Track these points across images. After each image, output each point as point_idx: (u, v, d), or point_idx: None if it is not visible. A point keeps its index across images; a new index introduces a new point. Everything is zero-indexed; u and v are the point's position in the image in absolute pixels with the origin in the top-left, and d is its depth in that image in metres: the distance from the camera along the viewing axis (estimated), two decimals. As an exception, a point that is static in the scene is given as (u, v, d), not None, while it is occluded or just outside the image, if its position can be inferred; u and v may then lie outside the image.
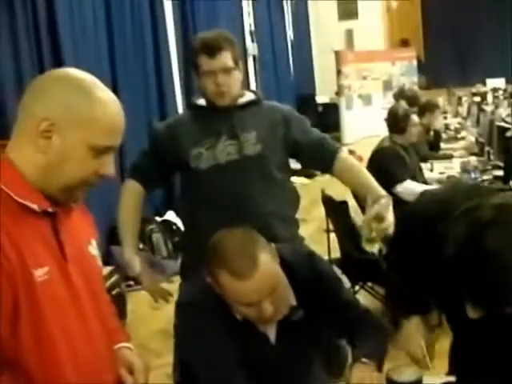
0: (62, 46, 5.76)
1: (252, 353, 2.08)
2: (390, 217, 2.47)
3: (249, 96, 2.89)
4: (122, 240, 2.89)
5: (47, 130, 1.53)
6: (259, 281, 1.92)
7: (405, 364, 2.07)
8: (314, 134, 2.97)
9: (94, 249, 1.79)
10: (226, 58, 2.73)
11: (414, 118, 5.42)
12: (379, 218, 2.45)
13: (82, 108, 1.55)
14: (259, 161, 2.77)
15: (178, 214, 6.55)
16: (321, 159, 2.91)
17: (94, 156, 1.58)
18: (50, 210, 1.59)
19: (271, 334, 2.15)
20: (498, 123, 6.50)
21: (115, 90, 6.68)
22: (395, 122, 5.37)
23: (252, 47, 11.95)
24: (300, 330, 2.15)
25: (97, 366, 1.70)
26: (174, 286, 3.07)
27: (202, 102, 2.87)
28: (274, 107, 2.98)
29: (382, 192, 2.74)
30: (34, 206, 1.56)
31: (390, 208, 2.51)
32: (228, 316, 2.07)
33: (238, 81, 2.80)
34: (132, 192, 2.91)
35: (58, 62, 5.65)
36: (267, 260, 1.97)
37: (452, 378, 2.05)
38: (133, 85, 7.17)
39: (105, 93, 1.61)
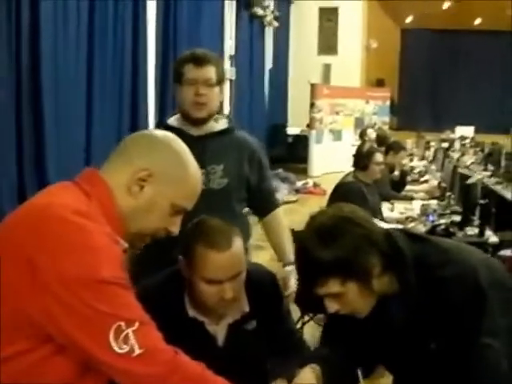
0: (41, 51, 5.77)
1: (197, 351, 2.10)
2: (292, 284, 2.90)
3: (223, 124, 2.91)
4: None
5: (143, 179, 1.67)
6: (230, 257, 2.08)
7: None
8: (266, 183, 3.06)
9: None
10: (211, 72, 2.77)
11: (378, 156, 5.51)
12: (284, 284, 2.79)
13: (178, 170, 1.71)
14: (223, 195, 2.81)
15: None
16: (259, 207, 3.04)
17: (172, 214, 1.73)
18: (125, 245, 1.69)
19: (220, 336, 2.22)
20: (460, 170, 6.62)
21: (89, 101, 6.71)
22: (359, 158, 5.47)
23: (230, 71, 12.02)
24: (250, 339, 2.22)
25: None
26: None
27: (174, 122, 2.87)
28: (245, 142, 2.99)
29: (291, 258, 2.92)
30: (124, 243, 1.67)
31: (293, 276, 2.84)
32: (180, 310, 2.16)
33: (217, 97, 2.83)
34: None
35: (36, 67, 5.64)
36: (240, 244, 2.14)
37: None
38: (108, 97, 7.20)
39: (195, 164, 1.78)
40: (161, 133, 1.82)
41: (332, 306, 1.87)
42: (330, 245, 1.81)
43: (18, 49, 5.52)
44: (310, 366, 2.03)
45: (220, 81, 2.82)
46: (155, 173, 1.68)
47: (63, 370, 1.56)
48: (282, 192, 11.28)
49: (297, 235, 2.00)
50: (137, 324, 1.52)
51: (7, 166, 5.45)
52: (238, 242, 2.13)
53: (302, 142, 15.42)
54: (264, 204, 3.01)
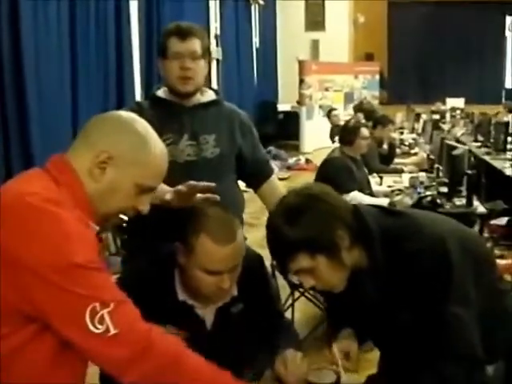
0: (22, 25, 5.63)
1: (186, 336, 2.13)
2: None
3: (210, 95, 2.89)
4: None
5: (104, 162, 1.67)
6: (233, 251, 2.09)
7: (324, 367, 2.13)
8: (260, 152, 3.05)
9: None
10: (196, 45, 2.74)
11: (364, 131, 5.52)
12: None
13: (140, 152, 1.71)
14: (216, 164, 2.79)
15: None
16: (254, 177, 3.00)
17: (138, 193, 1.74)
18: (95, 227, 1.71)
19: (208, 319, 2.24)
20: (449, 142, 6.62)
21: (74, 77, 6.64)
22: (345, 133, 5.49)
23: (216, 51, 11.96)
24: (237, 322, 2.24)
25: None
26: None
27: (162, 94, 2.85)
28: (234, 112, 2.98)
29: None
30: (95, 227, 1.69)
31: None
32: (170, 293, 2.18)
33: (203, 71, 2.80)
34: None
35: (17, 42, 5.59)
36: (241, 236, 2.16)
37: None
38: (92, 73, 7.10)
39: (160, 144, 1.80)
40: (125, 114, 1.82)
41: (307, 281, 1.91)
42: (296, 223, 1.85)
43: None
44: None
45: (205, 53, 2.80)
46: (116, 155, 1.68)
47: (43, 353, 1.59)
48: (274, 169, 11.25)
49: (268, 217, 2.02)
50: (112, 305, 1.55)
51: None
52: (240, 235, 2.15)
53: (292, 118, 15.41)
54: (259, 173, 2.99)
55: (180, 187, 2.37)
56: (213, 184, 2.43)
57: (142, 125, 1.78)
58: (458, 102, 15.97)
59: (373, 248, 1.91)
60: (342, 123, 7.10)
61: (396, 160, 7.86)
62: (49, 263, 1.49)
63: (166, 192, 2.40)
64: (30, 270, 1.49)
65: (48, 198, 1.57)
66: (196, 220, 2.13)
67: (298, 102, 15.37)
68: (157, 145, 1.77)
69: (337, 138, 6.01)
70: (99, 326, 1.52)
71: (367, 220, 1.94)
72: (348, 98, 16.02)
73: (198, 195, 2.36)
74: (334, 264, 1.88)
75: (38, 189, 1.59)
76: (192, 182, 2.36)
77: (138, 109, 2.78)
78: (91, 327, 1.52)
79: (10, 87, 5.57)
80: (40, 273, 1.49)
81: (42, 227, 1.51)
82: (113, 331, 1.53)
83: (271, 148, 13.41)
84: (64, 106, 6.46)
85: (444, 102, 16.16)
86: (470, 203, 5.11)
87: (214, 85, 11.89)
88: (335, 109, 12.98)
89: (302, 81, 15.02)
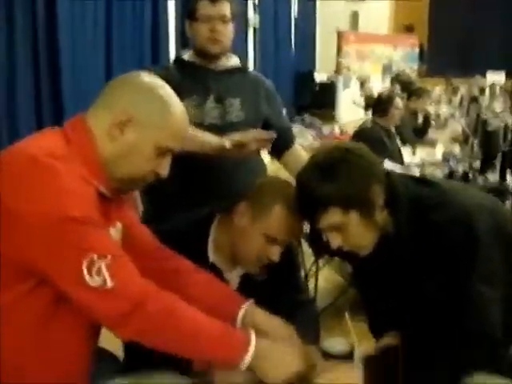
0: None
1: None
2: None
3: (235, 61, 2.92)
4: (201, 135, 2.58)
5: (123, 123, 1.67)
6: (301, 226, 2.14)
7: (338, 336, 2.12)
8: (284, 119, 3.08)
9: (115, 232, 1.84)
10: (226, 8, 2.78)
11: (398, 101, 5.47)
12: None
13: (161, 114, 1.70)
14: (241, 128, 2.75)
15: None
16: (279, 145, 2.95)
17: (158, 156, 1.72)
18: (107, 194, 1.70)
19: (233, 284, 2.26)
20: (483, 116, 6.50)
21: (108, 39, 6.67)
22: (378, 104, 5.43)
23: (254, 18, 11.87)
24: (260, 290, 2.22)
25: None
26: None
27: (188, 57, 2.88)
28: (259, 79, 3.01)
29: None
30: (101, 188, 1.66)
31: None
32: (202, 255, 2.19)
33: (231, 34, 2.84)
34: None
35: (51, 7, 5.60)
36: None
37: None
38: (127, 36, 7.15)
39: (180, 105, 1.78)
40: (146, 76, 1.79)
41: (335, 240, 1.87)
42: (330, 177, 1.80)
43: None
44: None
45: (234, 17, 2.83)
46: (136, 116, 1.68)
47: (40, 308, 1.61)
48: (307, 138, 11.21)
49: (298, 172, 1.97)
50: (109, 257, 1.56)
51: (26, 102, 5.46)
52: None
53: (329, 88, 15.23)
54: (283, 141, 2.96)
55: (238, 136, 2.43)
56: (274, 134, 2.47)
57: (163, 87, 1.77)
58: (499, 77, 15.66)
59: (399, 214, 1.86)
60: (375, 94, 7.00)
61: (431, 132, 7.76)
62: (44, 216, 1.49)
63: (221, 140, 2.44)
64: (26, 222, 1.50)
65: (51, 152, 1.57)
66: (272, 188, 2.16)
67: (336, 72, 15.22)
68: (177, 106, 1.76)
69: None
70: (96, 278, 1.53)
71: (397, 186, 1.89)
72: (386, 69, 15.79)
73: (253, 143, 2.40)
74: (365, 222, 1.84)
75: (45, 144, 1.60)
76: (253, 131, 2.44)
77: (164, 71, 2.79)
78: (88, 279, 1.53)
79: (44, 46, 5.61)
80: (36, 225, 1.49)
81: (38, 179, 1.52)
82: (109, 284, 1.54)
83: (306, 116, 13.32)
84: (97, 66, 6.51)
85: (484, 76, 15.86)
86: (502, 179, 5.02)
87: (251, 53, 11.83)
88: (368, 80, 12.80)
89: (339, 50, 14.85)
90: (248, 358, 1.69)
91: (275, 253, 2.11)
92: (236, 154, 2.44)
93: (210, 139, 2.49)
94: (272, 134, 2.48)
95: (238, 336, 1.74)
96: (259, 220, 2.11)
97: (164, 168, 1.77)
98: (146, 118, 1.68)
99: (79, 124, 1.69)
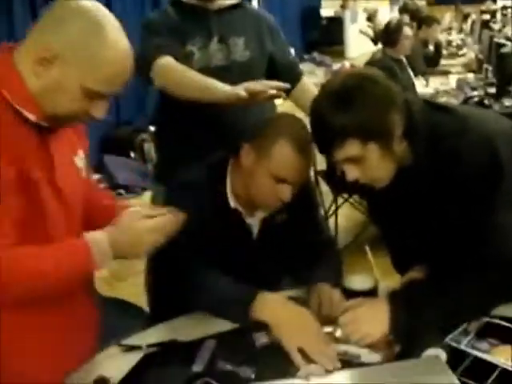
0: None
1: (235, 242, 2.14)
2: None
3: None
4: (213, 85, 2.45)
5: (47, 60, 1.51)
6: (307, 162, 2.08)
7: (361, 273, 2.09)
8: (290, 54, 2.98)
9: (80, 160, 1.79)
10: None
11: (407, 30, 5.36)
12: None
13: (90, 51, 1.52)
14: (247, 67, 2.71)
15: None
16: (287, 79, 2.81)
17: (86, 97, 1.56)
18: (43, 124, 1.59)
19: (255, 228, 2.22)
20: (497, 40, 6.37)
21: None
22: (387, 34, 5.32)
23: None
24: (281, 231, 2.22)
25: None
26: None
27: None
28: (260, 15, 2.92)
29: None
30: (31, 116, 1.56)
31: None
32: (223, 201, 2.15)
33: None
34: (177, 63, 2.55)
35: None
36: (313, 152, 2.10)
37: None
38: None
39: (121, 43, 1.57)
40: (74, 3, 1.56)
41: (351, 172, 1.78)
42: (347, 106, 1.71)
43: None
44: None
45: None
46: (61, 51, 1.51)
47: None
48: (319, 76, 11.07)
49: (312, 102, 1.85)
50: None
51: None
52: (312, 149, 2.06)
53: (336, 24, 15.00)
54: (290, 75, 2.87)
55: (252, 85, 2.32)
56: (287, 85, 2.41)
57: (103, 16, 1.56)
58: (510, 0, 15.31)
59: (418, 144, 1.79)
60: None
61: (443, 61, 7.64)
62: None
63: (235, 89, 2.33)
64: None
65: None
66: (275, 124, 2.10)
67: (342, 6, 14.95)
68: (116, 43, 1.55)
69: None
70: None
71: (414, 111, 1.80)
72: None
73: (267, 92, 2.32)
74: (384, 153, 1.75)
75: None
76: (267, 82, 2.36)
77: (163, 15, 2.73)
78: None
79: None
80: None
81: None
82: None
83: (315, 54, 13.15)
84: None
85: (495, 2, 15.52)
86: (519, 103, 4.94)
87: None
88: (376, 13, 12.58)
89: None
90: (97, 255, 1.58)
91: (286, 192, 2.05)
92: (250, 102, 2.37)
93: (224, 89, 2.42)
94: (286, 86, 2.41)
95: (75, 243, 1.62)
96: (263, 159, 2.04)
97: (99, 110, 1.61)
98: (71, 55, 1.51)
99: (3, 59, 1.56)
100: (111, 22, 1.56)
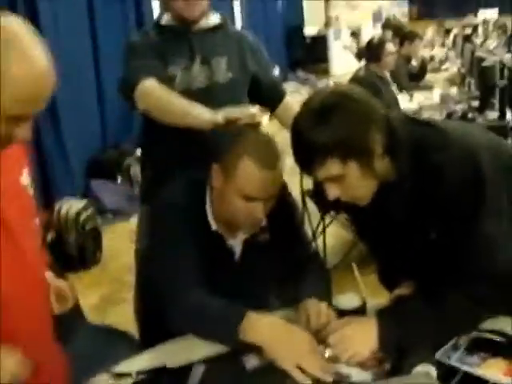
0: None
1: (217, 265, 2.12)
2: None
3: (215, 19, 2.82)
4: (193, 111, 2.47)
5: None
6: (274, 177, 2.02)
7: (349, 292, 2.09)
8: (272, 72, 3.03)
9: (25, 178, 1.72)
10: None
11: (389, 46, 5.40)
12: None
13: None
14: (229, 89, 2.73)
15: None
16: (269, 100, 2.91)
17: (7, 122, 1.38)
18: None
19: (237, 250, 2.21)
20: (479, 53, 6.42)
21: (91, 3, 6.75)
22: (370, 50, 5.36)
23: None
24: (264, 251, 2.20)
25: (35, 295, 1.68)
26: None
27: (166, 21, 2.77)
28: (241, 34, 2.94)
29: None
30: None
31: None
32: (204, 223, 2.13)
33: None
34: (160, 86, 2.55)
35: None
36: (281, 166, 2.05)
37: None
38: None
39: (35, 61, 1.36)
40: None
41: (332, 191, 1.77)
42: (326, 123, 1.69)
43: None
44: None
45: None
46: None
47: None
48: (303, 94, 11.11)
49: (292, 120, 1.83)
50: None
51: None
52: (281, 163, 2.04)
53: (320, 42, 15.09)
54: (274, 94, 2.93)
55: (232, 112, 2.34)
56: (265, 113, 2.47)
57: (15, 35, 1.35)
58: (491, 14, 15.44)
59: (400, 161, 1.78)
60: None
61: (427, 76, 7.68)
62: None
63: (213, 115, 2.36)
64: None
65: None
66: (239, 143, 2.06)
67: (326, 25, 15.04)
68: (27, 61, 1.34)
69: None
70: None
71: (396, 127, 1.79)
72: (376, 16, 15.60)
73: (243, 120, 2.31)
74: (364, 171, 1.73)
75: None
76: (244, 110, 2.35)
77: (144, 37, 2.74)
78: None
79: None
80: None
81: None
82: None
83: (300, 73, 13.20)
84: (82, 33, 6.53)
85: (476, 15, 15.66)
86: (502, 116, 4.96)
87: (237, 11, 11.69)
88: (359, 31, 12.68)
89: (327, 1, 14.67)
90: None
91: (258, 211, 2.02)
92: (228, 128, 2.37)
93: (203, 116, 2.42)
94: (264, 113, 2.41)
95: None
96: (230, 178, 2.02)
97: (22, 133, 1.43)
98: None
99: None
100: (19, 42, 1.35)
